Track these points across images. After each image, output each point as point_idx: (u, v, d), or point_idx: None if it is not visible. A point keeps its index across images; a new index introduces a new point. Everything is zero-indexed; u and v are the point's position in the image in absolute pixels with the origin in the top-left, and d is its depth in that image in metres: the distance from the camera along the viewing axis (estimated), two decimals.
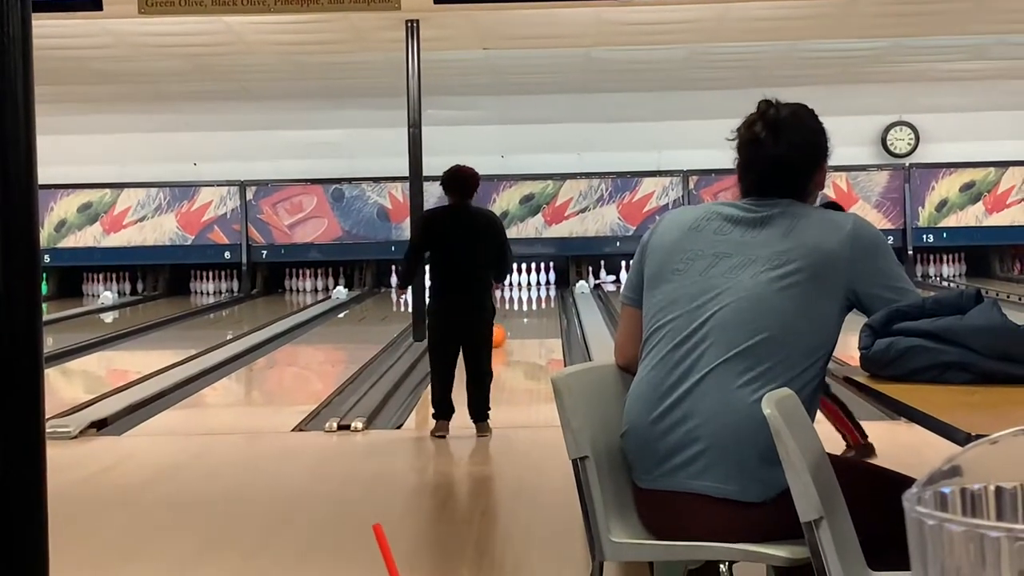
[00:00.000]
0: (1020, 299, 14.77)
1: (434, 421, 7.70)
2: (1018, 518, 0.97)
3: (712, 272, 2.89)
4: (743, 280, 2.85)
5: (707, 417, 2.79)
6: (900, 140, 19.45)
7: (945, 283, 18.99)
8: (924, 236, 19.25)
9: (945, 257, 19.69)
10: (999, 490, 0.97)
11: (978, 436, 2.06)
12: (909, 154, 19.42)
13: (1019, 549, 0.88)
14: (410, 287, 7.90)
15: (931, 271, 19.61)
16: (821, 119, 3.10)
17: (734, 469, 2.75)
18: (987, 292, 2.84)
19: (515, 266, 19.69)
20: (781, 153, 2.98)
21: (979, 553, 0.89)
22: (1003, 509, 0.97)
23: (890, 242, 3.00)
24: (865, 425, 7.38)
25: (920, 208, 19.27)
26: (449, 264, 7.63)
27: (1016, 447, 1.02)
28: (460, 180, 7.73)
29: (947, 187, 19.29)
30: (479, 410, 7.69)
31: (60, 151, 16.83)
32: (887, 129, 19.38)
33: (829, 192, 16.98)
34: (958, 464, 0.98)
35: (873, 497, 2.62)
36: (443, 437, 7.60)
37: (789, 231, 2.87)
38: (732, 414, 2.76)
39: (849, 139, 16.75)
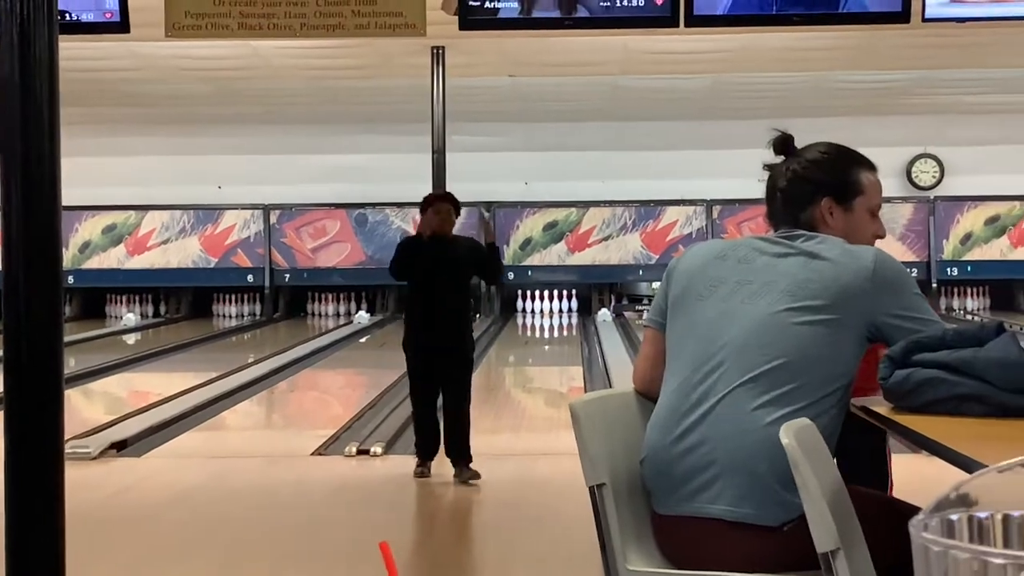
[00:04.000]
0: None
1: None
2: None
3: (732, 299, 2.90)
4: (760, 307, 2.86)
5: (722, 440, 2.78)
6: (925, 172, 19.39)
7: (969, 316, 18.90)
8: (948, 269, 19.17)
9: (969, 290, 19.59)
10: (1007, 518, 0.97)
11: None
12: (934, 187, 19.36)
13: None
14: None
15: (955, 304, 19.52)
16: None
17: (749, 492, 2.74)
18: (1011, 326, 2.83)
19: (537, 292, 19.72)
20: (775, 183, 3.07)
21: None
22: (1010, 537, 0.97)
23: (914, 275, 3.00)
24: None
25: (944, 241, 19.20)
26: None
27: None
28: None
29: (972, 220, 19.23)
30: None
31: (85, 173, 16.90)
32: (912, 161, 19.33)
33: None
34: (966, 492, 0.98)
35: (891, 528, 2.61)
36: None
37: (810, 262, 2.88)
38: (747, 436, 2.75)
39: None
